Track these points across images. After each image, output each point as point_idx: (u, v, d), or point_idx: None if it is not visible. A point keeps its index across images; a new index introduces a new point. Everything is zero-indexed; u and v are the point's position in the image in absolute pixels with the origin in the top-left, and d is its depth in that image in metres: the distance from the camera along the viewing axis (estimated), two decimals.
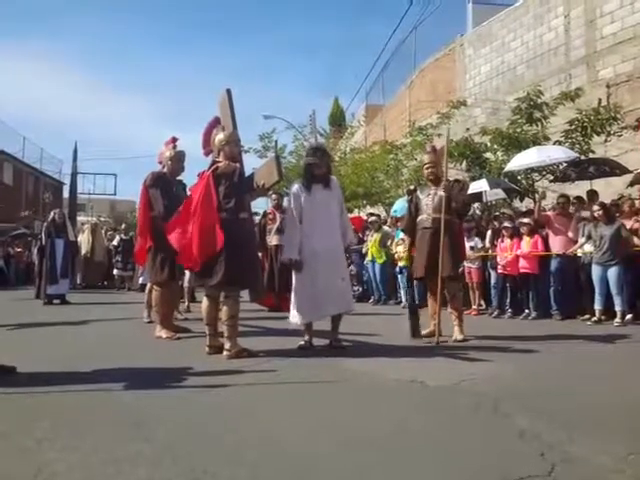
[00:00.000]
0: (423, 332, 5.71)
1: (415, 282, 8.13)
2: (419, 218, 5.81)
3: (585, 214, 7.87)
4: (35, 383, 3.40)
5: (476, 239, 8.96)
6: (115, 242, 15.17)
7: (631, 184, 9.25)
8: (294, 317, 5.00)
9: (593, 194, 8.88)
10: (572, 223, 7.93)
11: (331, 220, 4.99)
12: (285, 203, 9.54)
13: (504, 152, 10.89)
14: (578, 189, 9.77)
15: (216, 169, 4.51)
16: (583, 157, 9.86)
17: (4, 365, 3.64)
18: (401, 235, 9.91)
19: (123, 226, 17.33)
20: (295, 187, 5.13)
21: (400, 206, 11.97)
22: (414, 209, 5.91)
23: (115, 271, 15.01)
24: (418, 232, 5.80)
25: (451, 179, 5.90)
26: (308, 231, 4.91)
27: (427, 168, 5.94)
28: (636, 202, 8.11)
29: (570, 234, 7.88)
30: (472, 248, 8.87)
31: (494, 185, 10.06)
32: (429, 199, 5.73)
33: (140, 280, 8.52)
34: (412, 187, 6.21)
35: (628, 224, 7.49)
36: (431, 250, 5.56)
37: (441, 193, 5.58)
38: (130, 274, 14.57)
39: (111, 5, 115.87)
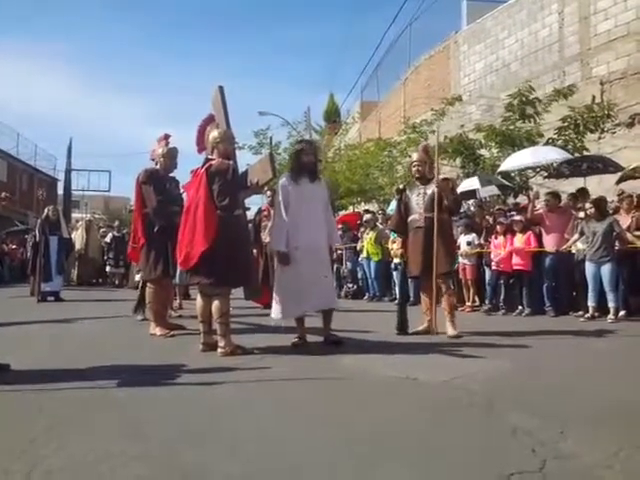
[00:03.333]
0: (417, 329, 5.76)
1: (410, 280, 8.20)
2: (410, 217, 5.86)
3: (581, 214, 7.88)
4: (29, 381, 3.39)
5: (473, 235, 8.98)
6: (107, 239, 15.13)
7: (619, 181, 9.28)
8: (276, 313, 4.96)
9: (584, 192, 8.91)
10: (569, 225, 7.93)
11: (316, 215, 4.96)
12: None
13: (498, 149, 10.92)
14: (572, 186, 9.79)
15: (209, 167, 4.51)
16: (577, 154, 9.89)
17: None
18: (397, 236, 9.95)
19: (116, 223, 17.27)
20: (283, 179, 5.08)
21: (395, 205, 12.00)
22: (404, 208, 5.95)
23: (107, 268, 14.97)
24: (410, 231, 5.85)
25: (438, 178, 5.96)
26: (293, 224, 4.86)
27: (414, 166, 5.99)
28: (635, 198, 8.08)
29: (567, 235, 7.89)
30: (469, 243, 8.89)
31: (485, 182, 10.09)
32: (419, 198, 5.78)
33: (137, 278, 8.53)
34: (401, 186, 6.26)
35: (626, 221, 7.51)
36: (425, 248, 5.63)
37: (433, 189, 5.64)
38: (122, 271, 14.53)
39: (106, 2, 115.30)
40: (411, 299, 9.29)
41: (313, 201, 4.98)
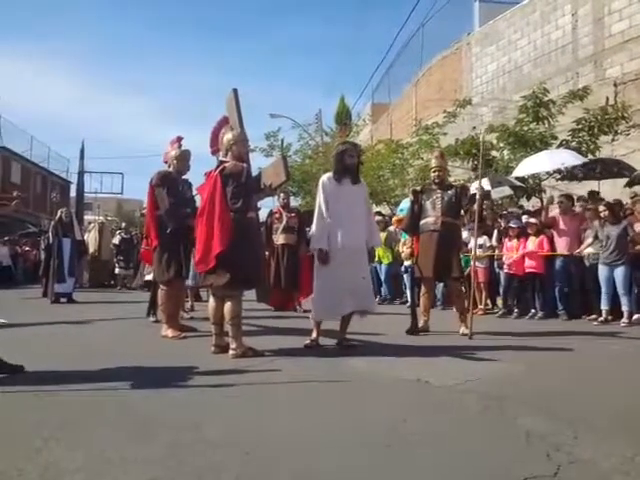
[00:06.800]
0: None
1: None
2: (423, 220, 5.99)
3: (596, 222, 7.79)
4: (42, 382, 3.41)
5: (484, 237, 8.94)
6: (116, 241, 15.18)
7: (629, 184, 9.19)
8: (315, 313, 4.98)
9: (594, 195, 8.84)
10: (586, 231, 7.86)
11: (356, 216, 4.95)
12: (292, 202, 9.58)
13: (510, 150, 10.85)
14: (585, 188, 9.72)
15: (223, 169, 4.52)
16: (591, 156, 9.80)
17: (12, 364, 3.67)
18: (408, 236, 9.95)
19: (123, 225, 17.35)
20: (325, 177, 5.10)
21: (406, 205, 11.96)
22: (418, 210, 6.09)
23: (117, 270, 15.03)
24: (424, 233, 5.95)
25: (457, 185, 6.17)
26: (333, 224, 4.86)
27: (435, 171, 6.16)
28: None
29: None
30: (481, 246, 8.85)
31: (496, 184, 10.00)
32: (437, 201, 5.90)
33: (147, 277, 8.59)
34: (418, 188, 6.40)
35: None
36: (439, 252, 5.77)
37: (454, 193, 5.93)
38: (131, 273, 14.58)
39: (116, 3, 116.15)
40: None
41: (354, 202, 4.97)
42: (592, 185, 9.73)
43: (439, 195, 5.94)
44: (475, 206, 5.72)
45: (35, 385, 3.34)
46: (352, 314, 5.01)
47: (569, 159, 8.98)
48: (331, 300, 4.82)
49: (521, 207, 10.10)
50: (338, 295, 4.78)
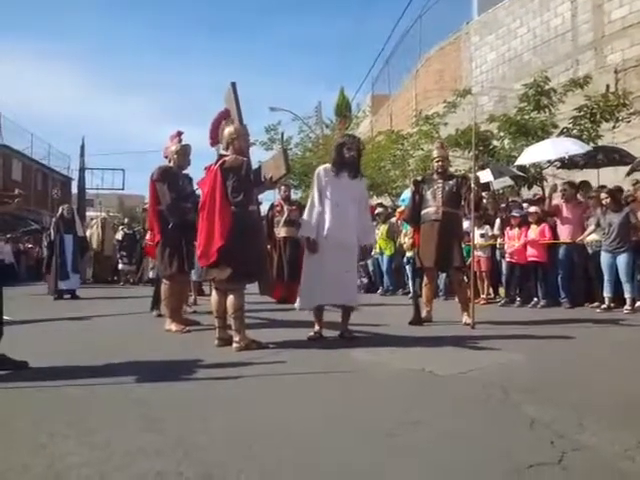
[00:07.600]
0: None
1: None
2: (425, 210, 5.97)
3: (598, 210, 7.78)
4: (47, 378, 3.42)
5: (486, 227, 8.93)
6: (119, 236, 15.20)
7: (630, 173, 9.15)
8: (299, 302, 5.01)
9: (587, 185, 8.81)
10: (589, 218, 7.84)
11: (349, 211, 4.91)
12: (293, 195, 9.56)
13: (511, 140, 10.80)
14: (586, 176, 9.69)
15: (223, 163, 4.51)
16: (592, 144, 9.75)
17: (16, 360, 3.68)
18: (409, 227, 9.94)
19: (126, 220, 17.38)
20: (321, 168, 5.08)
21: (407, 196, 11.94)
22: (419, 200, 6.08)
23: (120, 265, 15.06)
24: (425, 223, 5.94)
25: (458, 175, 6.17)
26: (324, 215, 4.86)
27: (437, 161, 6.15)
28: None
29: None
30: (483, 236, 8.84)
31: (498, 174, 9.98)
32: (438, 191, 5.86)
33: (150, 274, 8.62)
34: (419, 178, 6.39)
35: None
36: (440, 242, 5.74)
37: (455, 184, 5.92)
38: (134, 268, 14.61)
39: (116, 3, 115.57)
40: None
41: (349, 196, 4.92)
42: (593, 173, 9.69)
43: (440, 185, 5.94)
44: (472, 195, 5.72)
45: (39, 381, 3.35)
46: (351, 307, 5.02)
47: (573, 148, 8.92)
48: (313, 290, 4.85)
49: (535, 196, 10.02)
50: (320, 286, 4.80)
